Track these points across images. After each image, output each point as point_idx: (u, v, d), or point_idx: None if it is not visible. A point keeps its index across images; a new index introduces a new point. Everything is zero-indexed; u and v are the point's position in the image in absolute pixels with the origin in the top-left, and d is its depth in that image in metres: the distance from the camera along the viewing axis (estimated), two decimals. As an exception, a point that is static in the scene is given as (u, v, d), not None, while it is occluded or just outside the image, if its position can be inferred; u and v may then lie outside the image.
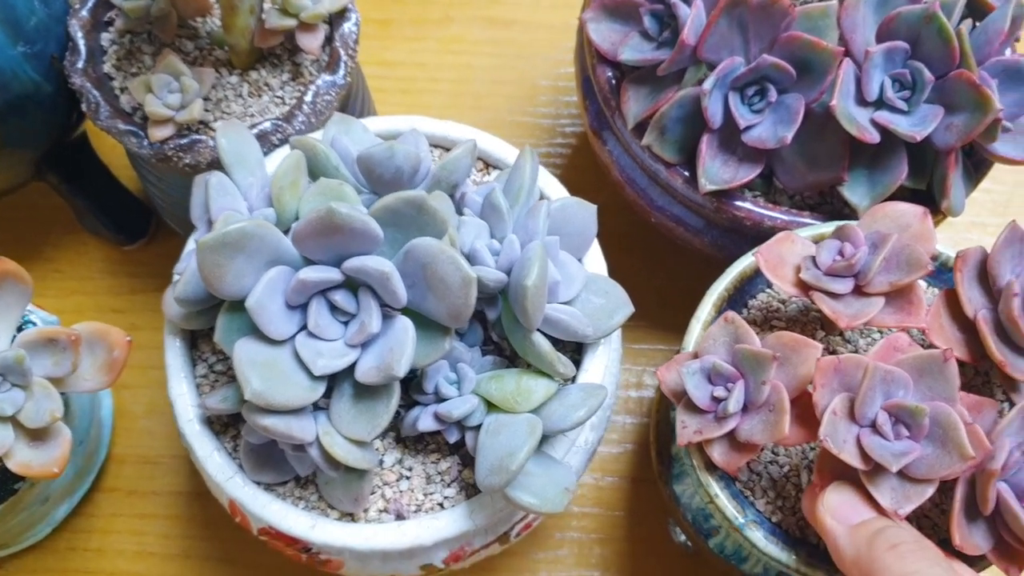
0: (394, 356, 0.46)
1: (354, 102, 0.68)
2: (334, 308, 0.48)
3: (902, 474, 0.46)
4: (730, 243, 0.64)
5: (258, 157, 0.54)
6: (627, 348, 0.77)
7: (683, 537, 0.65)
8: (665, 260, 0.79)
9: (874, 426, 0.47)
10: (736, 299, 0.58)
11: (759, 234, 0.60)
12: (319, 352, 0.47)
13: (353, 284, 0.48)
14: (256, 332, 0.47)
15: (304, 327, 0.48)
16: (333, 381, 0.49)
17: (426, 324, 0.48)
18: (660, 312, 0.77)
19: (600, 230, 0.76)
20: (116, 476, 0.72)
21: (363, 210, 0.46)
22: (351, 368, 0.47)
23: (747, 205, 0.61)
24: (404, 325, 0.47)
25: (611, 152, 0.66)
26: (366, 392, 0.48)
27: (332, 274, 0.46)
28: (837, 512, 0.46)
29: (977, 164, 0.62)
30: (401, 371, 0.46)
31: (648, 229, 0.70)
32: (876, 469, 0.46)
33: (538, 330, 0.50)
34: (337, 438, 0.48)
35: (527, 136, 0.83)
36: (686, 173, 0.61)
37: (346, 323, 0.48)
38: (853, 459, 0.46)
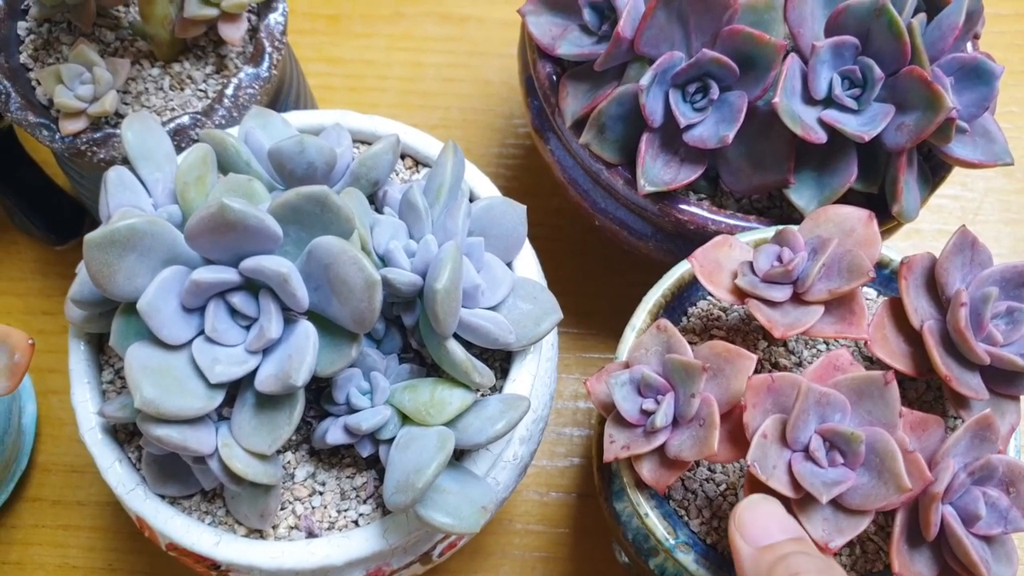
0: (293, 364, 0.43)
1: (286, 98, 0.65)
2: (234, 312, 0.45)
3: (835, 504, 0.43)
4: (676, 248, 0.61)
5: (167, 151, 0.51)
6: (577, 358, 0.74)
7: (625, 558, 0.62)
8: (619, 267, 0.76)
9: (807, 451, 0.44)
10: (675, 306, 0.55)
11: (704, 239, 0.57)
12: (216, 358, 0.44)
13: (254, 286, 0.45)
14: (151, 336, 0.44)
15: (202, 331, 0.45)
16: (235, 389, 0.46)
17: (332, 330, 0.45)
18: (613, 320, 0.73)
19: (553, 235, 0.73)
20: (40, 485, 0.69)
21: (262, 207, 0.43)
22: (253, 376, 0.45)
23: (691, 208, 0.58)
24: (306, 330, 0.44)
25: (553, 152, 0.63)
26: (268, 402, 0.45)
27: (228, 275, 0.43)
28: (747, 531, 0.42)
29: (935, 168, 0.59)
30: (300, 380, 0.43)
31: (605, 235, 0.67)
32: (807, 498, 0.43)
33: (456, 337, 0.47)
34: (237, 450, 0.45)
35: (479, 136, 0.80)
36: (628, 174, 0.58)
37: (247, 328, 0.45)
38: (782, 486, 0.43)
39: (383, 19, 0.85)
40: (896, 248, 0.55)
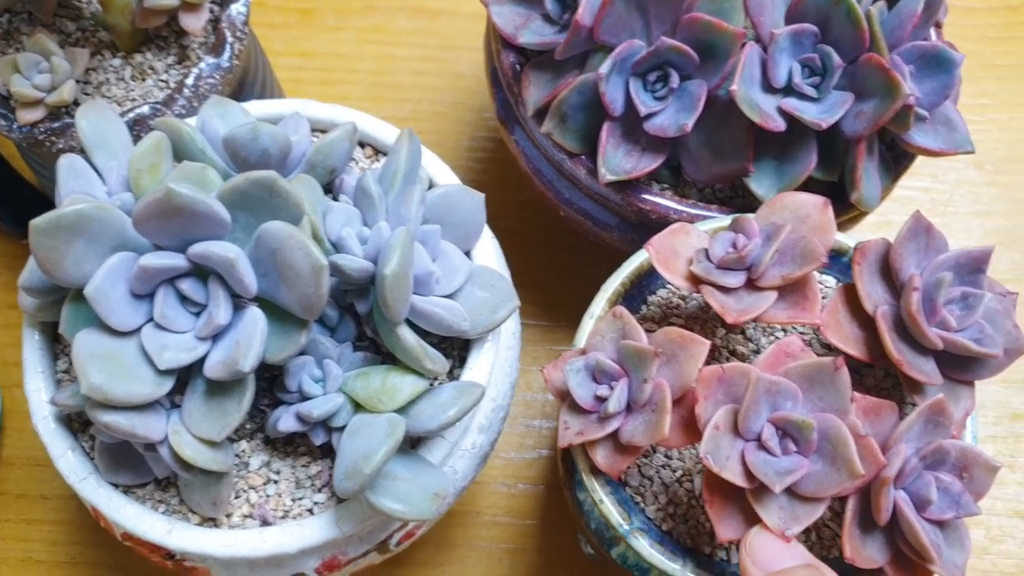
0: (241, 350, 0.43)
1: (251, 89, 0.64)
2: (184, 298, 0.44)
3: (790, 492, 0.43)
4: (640, 238, 0.60)
5: (123, 140, 0.51)
6: (546, 350, 0.74)
7: (590, 548, 0.62)
8: (586, 258, 0.76)
9: (759, 441, 0.44)
10: (634, 295, 0.54)
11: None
12: (165, 345, 0.44)
13: (203, 273, 0.44)
14: (100, 323, 0.44)
15: (151, 318, 0.44)
16: (187, 376, 0.46)
17: (281, 316, 0.44)
18: (580, 312, 0.72)
19: (520, 227, 0.72)
20: (4, 480, 0.69)
21: (210, 192, 0.43)
22: (202, 362, 0.44)
23: (653, 198, 0.58)
24: (254, 317, 0.43)
25: (518, 142, 0.63)
26: (218, 389, 0.45)
27: (176, 261, 0.43)
28: (758, 558, 0.42)
29: (897, 157, 0.59)
30: (248, 366, 0.42)
31: (572, 226, 0.67)
32: (762, 487, 0.43)
33: (410, 324, 0.47)
34: (186, 437, 0.45)
35: (450, 129, 0.80)
36: (590, 164, 0.58)
37: (197, 314, 0.45)
38: (736, 477, 0.43)
39: (355, 12, 0.85)
40: (863, 239, 0.54)
